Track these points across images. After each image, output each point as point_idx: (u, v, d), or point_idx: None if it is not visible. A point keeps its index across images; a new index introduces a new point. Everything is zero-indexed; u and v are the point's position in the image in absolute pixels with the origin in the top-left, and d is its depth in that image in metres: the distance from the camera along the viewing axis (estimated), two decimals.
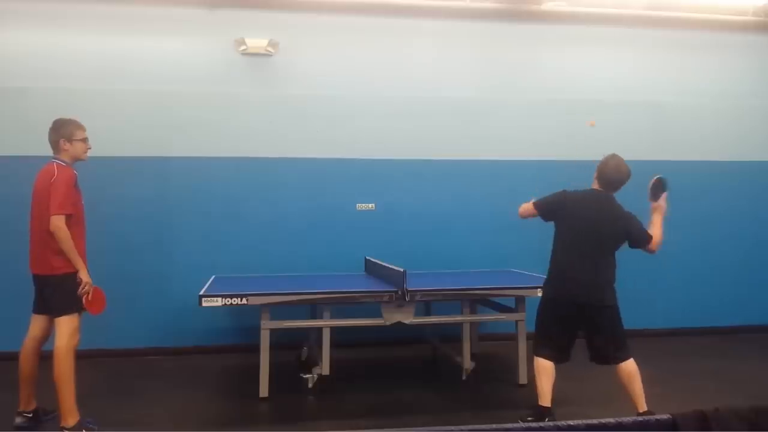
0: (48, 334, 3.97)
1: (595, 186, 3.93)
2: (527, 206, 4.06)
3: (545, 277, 4.04)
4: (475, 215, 6.37)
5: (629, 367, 3.78)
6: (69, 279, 3.82)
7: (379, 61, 6.35)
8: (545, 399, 3.85)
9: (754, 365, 5.53)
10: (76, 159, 3.99)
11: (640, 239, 3.88)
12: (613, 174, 3.86)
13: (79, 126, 3.99)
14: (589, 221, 3.80)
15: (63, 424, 3.78)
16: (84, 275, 3.83)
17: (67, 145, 3.92)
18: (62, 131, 3.92)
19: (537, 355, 3.90)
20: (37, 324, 4.00)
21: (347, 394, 4.67)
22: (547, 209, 3.97)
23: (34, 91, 5.72)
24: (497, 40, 6.56)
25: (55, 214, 3.72)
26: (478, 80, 6.53)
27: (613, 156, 3.91)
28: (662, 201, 4.04)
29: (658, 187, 4.06)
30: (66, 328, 3.81)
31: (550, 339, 3.87)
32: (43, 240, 3.83)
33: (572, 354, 3.92)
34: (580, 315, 3.79)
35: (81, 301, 3.83)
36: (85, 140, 4.01)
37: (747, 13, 6.76)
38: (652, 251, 3.92)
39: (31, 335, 3.99)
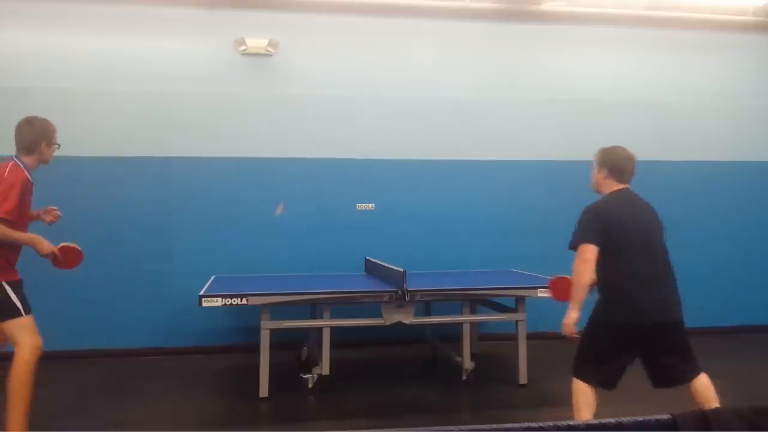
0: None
1: (615, 186, 3.38)
2: (581, 251, 3.22)
3: (603, 299, 3.28)
4: (475, 215, 6.37)
5: (703, 380, 3.31)
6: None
7: (378, 61, 6.35)
8: None
9: (754, 365, 5.52)
10: (42, 163, 3.61)
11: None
12: (626, 163, 3.39)
13: (55, 129, 3.64)
14: (641, 226, 3.27)
15: None
16: (41, 248, 3.43)
17: (45, 149, 3.56)
18: (46, 133, 3.56)
19: (586, 382, 3.27)
20: None
21: (347, 394, 4.67)
22: (599, 235, 3.22)
23: (34, 91, 5.71)
24: (497, 41, 6.56)
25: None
26: (477, 80, 6.53)
27: (615, 146, 3.46)
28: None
29: None
30: (15, 332, 3.36)
31: (608, 366, 3.24)
32: None
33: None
34: (650, 337, 3.21)
35: (20, 305, 3.38)
36: (57, 144, 3.68)
37: (747, 13, 6.76)
38: None
39: None
